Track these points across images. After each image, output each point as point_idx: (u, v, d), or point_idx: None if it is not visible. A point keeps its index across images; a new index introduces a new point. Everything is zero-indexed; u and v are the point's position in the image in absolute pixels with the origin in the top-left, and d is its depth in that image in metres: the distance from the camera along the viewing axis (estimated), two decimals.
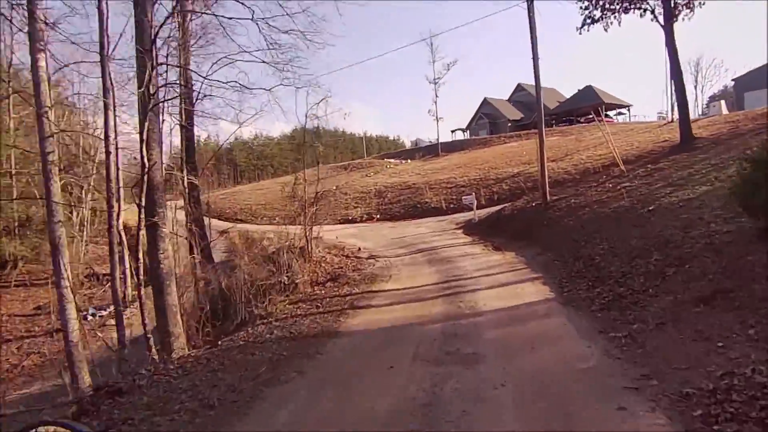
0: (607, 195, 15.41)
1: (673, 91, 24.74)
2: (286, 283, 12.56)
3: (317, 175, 16.82)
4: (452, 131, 65.73)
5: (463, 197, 22.00)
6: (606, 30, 21.51)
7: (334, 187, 36.60)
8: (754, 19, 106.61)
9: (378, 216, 28.02)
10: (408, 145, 78.19)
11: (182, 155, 15.13)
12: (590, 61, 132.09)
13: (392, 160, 47.90)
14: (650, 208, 10.59)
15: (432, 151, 47.67)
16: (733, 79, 44.18)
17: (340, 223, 28.06)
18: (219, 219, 33.09)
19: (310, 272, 13.59)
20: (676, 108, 24.04)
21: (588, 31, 21.70)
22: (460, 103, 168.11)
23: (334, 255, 16.58)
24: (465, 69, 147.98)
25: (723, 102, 35.45)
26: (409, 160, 45.84)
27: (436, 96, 45.48)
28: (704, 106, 55.59)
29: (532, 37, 18.28)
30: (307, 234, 15.72)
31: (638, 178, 16.67)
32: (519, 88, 66.79)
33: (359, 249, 18.39)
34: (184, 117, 14.70)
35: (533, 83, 19.42)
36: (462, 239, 17.86)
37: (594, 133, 38.41)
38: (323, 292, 11.16)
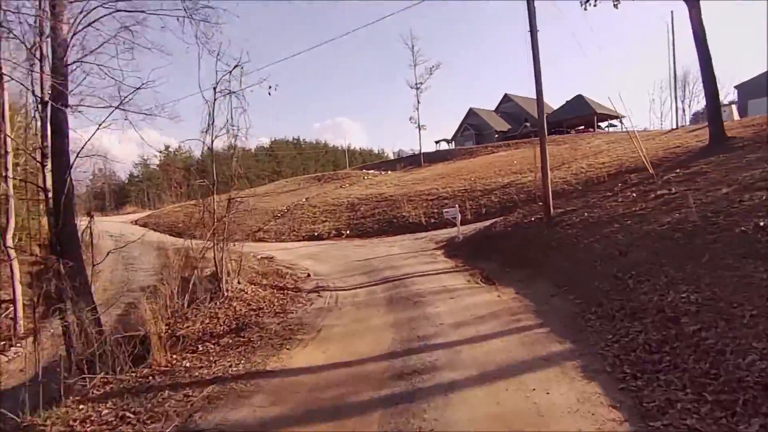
0: (639, 206, 10.80)
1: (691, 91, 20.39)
2: (162, 334, 7.72)
3: (233, 175, 11.80)
4: (436, 142, 61.25)
5: (445, 210, 17.24)
6: (616, 6, 17.23)
7: (304, 200, 31.92)
8: (745, 30, 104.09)
9: (348, 232, 23.24)
10: (392, 157, 73.65)
11: (42, 146, 10.27)
12: (575, 74, 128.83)
13: (371, 171, 43.25)
14: (761, 224, 5.93)
15: (414, 161, 43.09)
16: (735, 87, 40.32)
17: (304, 240, 23.32)
18: (170, 234, 28.15)
19: (206, 317, 8.75)
20: (678, 113, 19.67)
21: (594, 5, 17.36)
22: (446, 116, 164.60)
23: (263, 287, 11.71)
24: (450, 79, 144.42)
25: (734, 107, 31.45)
26: (389, 171, 41.20)
27: (418, 102, 40.90)
28: (690, 120, 51.58)
29: (531, 23, 13.82)
30: (217, 257, 10.90)
31: (672, 184, 12.16)
32: (506, 98, 62.70)
33: (308, 275, 13.62)
34: (44, 88, 9.86)
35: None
36: (441, 264, 13.15)
37: (591, 141, 34.23)
38: (187, 363, 6.26)
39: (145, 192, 62.40)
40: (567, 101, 53.24)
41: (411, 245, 17.21)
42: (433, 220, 21.35)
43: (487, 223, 17.30)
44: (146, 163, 66.00)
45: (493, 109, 63.71)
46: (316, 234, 23.86)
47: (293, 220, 27.02)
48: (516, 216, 15.57)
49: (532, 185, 22.15)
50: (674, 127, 30.14)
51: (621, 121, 54.59)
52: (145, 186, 64.61)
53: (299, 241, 23.33)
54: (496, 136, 56.91)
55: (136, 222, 32.75)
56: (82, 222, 11.22)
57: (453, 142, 60.41)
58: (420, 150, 43.57)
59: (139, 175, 66.42)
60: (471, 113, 60.90)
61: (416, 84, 40.78)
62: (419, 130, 41.34)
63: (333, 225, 24.73)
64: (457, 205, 17.15)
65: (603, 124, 53.14)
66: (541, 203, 16.15)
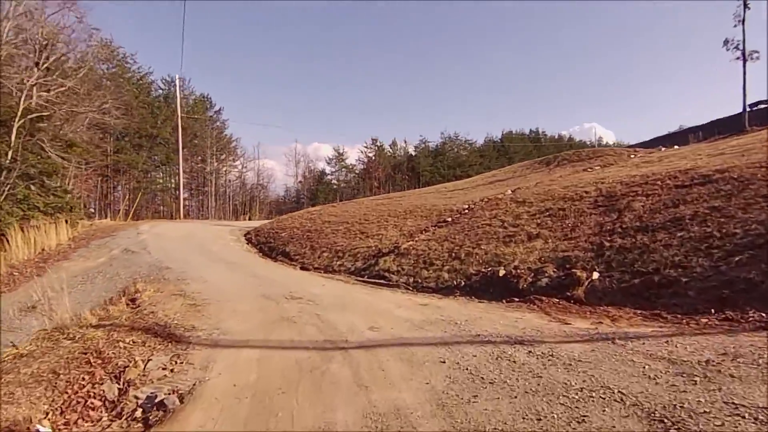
0: None
1: None
2: None
3: None
4: (752, 106, 36.98)
5: None
6: None
7: (508, 192, 16.18)
8: None
9: (595, 277, 7.24)
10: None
11: None
12: None
13: (640, 150, 24.79)
14: None
15: (726, 126, 23.04)
16: None
17: (461, 294, 8.12)
18: (260, 250, 15.81)
19: None
20: None
21: None
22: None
23: None
24: None
25: None
26: (676, 146, 22.28)
27: (746, 7, 20.51)
28: None
29: None
30: None
31: None
32: None
33: None
34: None
35: None
36: None
37: None
38: None
39: (337, 191, 54.09)
40: None
41: None
42: None
43: None
44: (341, 158, 57.95)
45: None
46: (500, 273, 8.37)
47: (466, 232, 11.81)
48: None
49: None
50: None
51: None
52: (339, 184, 56.65)
53: (447, 295, 8.21)
54: None
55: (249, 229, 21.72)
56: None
57: None
58: (743, 102, 22.78)
59: (332, 172, 59.20)
60: None
61: None
62: (743, 59, 21.00)
63: (551, 247, 8.91)
64: None
65: None
66: None
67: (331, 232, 15.56)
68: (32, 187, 14.48)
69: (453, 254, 10.60)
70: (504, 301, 7.31)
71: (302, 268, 12.75)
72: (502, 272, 8.56)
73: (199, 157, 44.23)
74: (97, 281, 10.14)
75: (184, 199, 37.90)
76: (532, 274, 8.16)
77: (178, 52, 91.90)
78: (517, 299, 7.27)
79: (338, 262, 12.54)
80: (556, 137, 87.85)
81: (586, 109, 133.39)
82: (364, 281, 10.35)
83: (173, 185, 37.37)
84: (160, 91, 42.10)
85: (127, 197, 33.52)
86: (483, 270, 9.10)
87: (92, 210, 33.72)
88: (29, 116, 14.15)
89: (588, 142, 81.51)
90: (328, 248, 13.93)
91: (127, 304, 7.29)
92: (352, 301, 7.55)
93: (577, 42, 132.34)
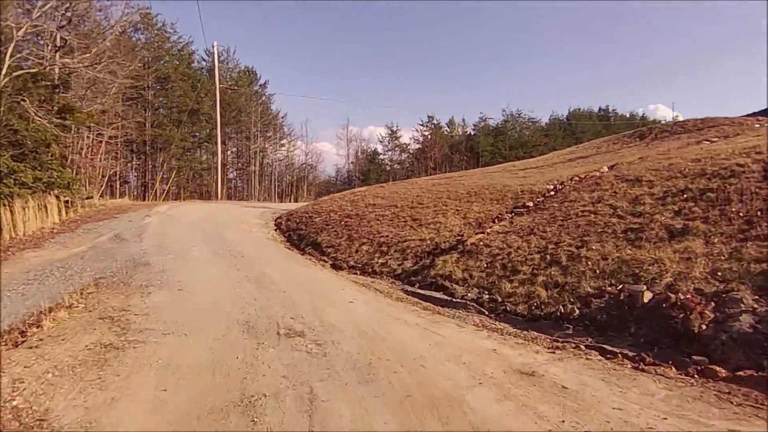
0: None
1: None
2: None
3: None
4: None
5: None
6: None
7: (604, 169, 12.14)
8: None
9: None
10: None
11: None
12: None
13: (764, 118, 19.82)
14: None
15: None
16: None
17: (579, 333, 4.89)
18: (288, 238, 12.81)
19: None
20: None
21: None
22: None
23: None
24: None
25: None
26: None
27: None
28: None
29: None
30: None
31: None
32: None
33: None
34: None
35: None
36: None
37: None
38: None
39: (390, 173, 50.63)
40: None
41: None
42: None
43: None
44: (394, 135, 54.17)
45: None
46: (645, 298, 4.80)
47: (560, 222, 8.18)
48: None
49: None
50: None
51: None
52: (392, 165, 53.19)
53: (552, 334, 4.78)
54: None
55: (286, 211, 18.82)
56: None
57: None
58: None
59: (385, 151, 55.82)
60: None
61: None
62: None
63: (726, 253, 5.32)
64: None
65: None
66: None
67: (375, 219, 12.29)
68: (25, 160, 12.22)
69: (548, 256, 7.08)
70: (693, 372, 3.78)
71: (333, 266, 9.61)
72: (647, 296, 5.01)
73: (245, 135, 41.96)
74: (49, 281, 7.43)
75: (230, 179, 35.84)
76: (712, 305, 4.56)
77: (228, 23, 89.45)
78: (721, 372, 3.70)
79: (380, 260, 9.30)
80: (628, 116, 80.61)
81: (652, 91, 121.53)
82: (413, 294, 7.03)
83: (216, 164, 35.39)
84: (204, 63, 40.05)
85: (161, 175, 31.71)
86: (607, 288, 5.56)
87: (134, 187, 32.34)
88: (14, 74, 11.76)
89: (662, 121, 74.02)
90: (369, 239, 10.70)
91: (17, 338, 4.38)
92: (389, 350, 4.28)
93: (649, 23, 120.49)
